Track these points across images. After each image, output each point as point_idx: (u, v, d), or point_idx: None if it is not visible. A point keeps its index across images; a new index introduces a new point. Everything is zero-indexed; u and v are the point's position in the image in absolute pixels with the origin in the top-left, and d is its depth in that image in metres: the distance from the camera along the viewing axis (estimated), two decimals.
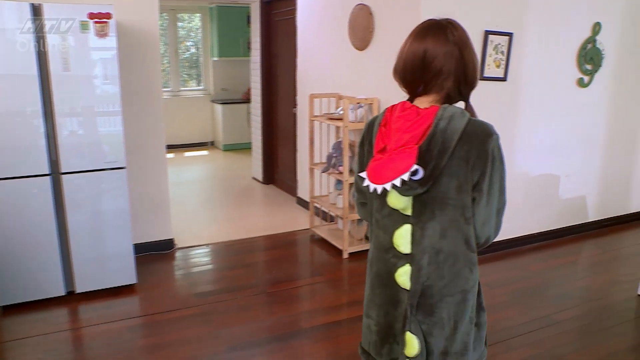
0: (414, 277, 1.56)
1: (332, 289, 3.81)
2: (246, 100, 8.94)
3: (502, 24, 4.03)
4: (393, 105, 1.59)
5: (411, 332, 1.58)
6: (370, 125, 1.66)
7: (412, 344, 1.58)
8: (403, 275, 1.58)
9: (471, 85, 1.55)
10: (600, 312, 3.49)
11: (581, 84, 4.57)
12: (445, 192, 1.49)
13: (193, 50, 9.46)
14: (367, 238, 4.47)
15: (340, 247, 4.36)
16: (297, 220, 5.25)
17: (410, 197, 1.53)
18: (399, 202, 1.56)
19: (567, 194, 4.82)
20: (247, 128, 8.81)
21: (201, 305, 3.51)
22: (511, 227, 4.51)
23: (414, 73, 1.53)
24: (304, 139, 5.44)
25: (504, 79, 4.14)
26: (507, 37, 4.04)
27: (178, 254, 4.39)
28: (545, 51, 4.32)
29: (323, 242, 4.63)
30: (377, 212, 1.64)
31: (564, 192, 4.79)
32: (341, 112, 4.40)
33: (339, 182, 4.66)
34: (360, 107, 4.23)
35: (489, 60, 4.01)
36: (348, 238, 4.32)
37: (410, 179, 1.47)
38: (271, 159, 6.69)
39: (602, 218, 5.14)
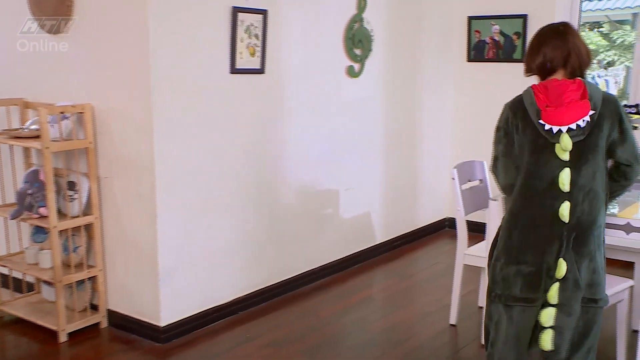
0: (572, 212, 2.75)
1: None
2: None
3: None
4: (534, 85, 2.85)
5: (563, 259, 2.76)
6: (514, 109, 2.87)
7: (561, 268, 2.76)
8: (564, 210, 2.75)
9: (582, 65, 2.86)
10: (413, 354, 3.99)
11: (352, 73, 5.18)
12: (595, 141, 2.75)
13: None
14: (93, 307, 4.37)
15: (53, 328, 4.19)
16: None
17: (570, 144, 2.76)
18: (569, 145, 2.72)
19: (349, 213, 5.41)
20: None
21: None
22: (290, 262, 4.91)
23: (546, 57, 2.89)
24: None
25: (261, 71, 4.47)
26: (261, 16, 4.37)
27: None
28: (308, 33, 4.80)
29: (22, 325, 4.40)
30: (533, 164, 2.82)
31: (345, 210, 5.36)
32: (34, 126, 4.26)
33: (40, 231, 4.48)
34: (65, 117, 4.15)
35: (241, 46, 4.28)
36: (64, 312, 4.17)
37: (577, 126, 2.72)
38: None
39: (391, 238, 5.89)
